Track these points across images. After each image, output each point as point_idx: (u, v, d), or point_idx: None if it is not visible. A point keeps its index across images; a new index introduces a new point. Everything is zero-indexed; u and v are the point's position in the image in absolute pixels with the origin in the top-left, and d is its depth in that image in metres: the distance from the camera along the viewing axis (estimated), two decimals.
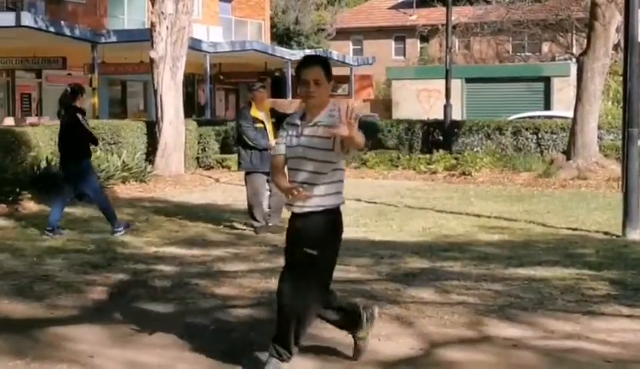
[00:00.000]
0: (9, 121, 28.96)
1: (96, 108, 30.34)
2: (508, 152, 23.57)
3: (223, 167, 23.82)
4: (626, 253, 10.85)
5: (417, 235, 12.41)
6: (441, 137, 25.06)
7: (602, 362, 6.19)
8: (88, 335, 6.83)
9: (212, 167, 24.19)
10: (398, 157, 23.88)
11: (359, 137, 5.37)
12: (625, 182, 12.35)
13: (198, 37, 33.28)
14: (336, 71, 37.62)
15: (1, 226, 13.04)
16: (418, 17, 54.62)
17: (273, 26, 51.98)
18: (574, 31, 41.53)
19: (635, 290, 8.49)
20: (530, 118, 27.51)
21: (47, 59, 31.98)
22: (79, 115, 12.03)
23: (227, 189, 19.27)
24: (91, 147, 12.40)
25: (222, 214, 14.60)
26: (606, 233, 12.60)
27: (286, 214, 5.84)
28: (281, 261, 6.17)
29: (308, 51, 44.43)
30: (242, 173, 12.48)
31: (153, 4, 21.84)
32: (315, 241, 5.62)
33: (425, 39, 55.11)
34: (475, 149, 23.91)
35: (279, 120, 11.32)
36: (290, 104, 30.69)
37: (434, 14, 50.38)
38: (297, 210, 5.70)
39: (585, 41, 23.24)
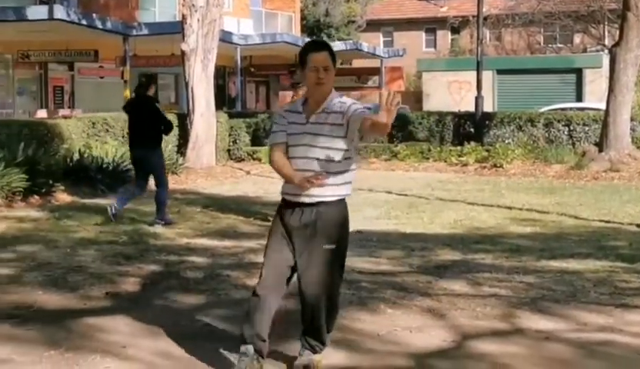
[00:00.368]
0: (42, 114, 29.14)
1: None
2: (539, 144, 23.43)
3: (254, 159, 23.87)
4: None
5: (448, 227, 12.38)
6: (472, 129, 24.94)
7: (636, 355, 6.15)
8: (121, 326, 6.87)
9: (243, 160, 24.25)
10: (429, 150, 23.82)
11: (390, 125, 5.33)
12: None
13: (228, 29, 33.32)
14: (366, 63, 37.75)
15: (34, 217, 13.15)
16: (449, 8, 54.40)
17: (303, 18, 51.95)
18: (606, 22, 41.20)
19: None
20: (562, 109, 27.34)
21: (79, 52, 32.14)
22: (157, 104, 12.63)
23: (258, 181, 19.31)
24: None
25: (253, 205, 14.65)
26: (639, 225, 12.51)
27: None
28: None
29: (338, 44, 44.39)
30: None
31: None
32: (333, 234, 5.52)
33: (455, 31, 54.90)
34: (507, 141, 23.79)
35: None
36: None
37: (465, 6, 50.18)
38: (306, 199, 5.47)
39: (618, 32, 23.06)
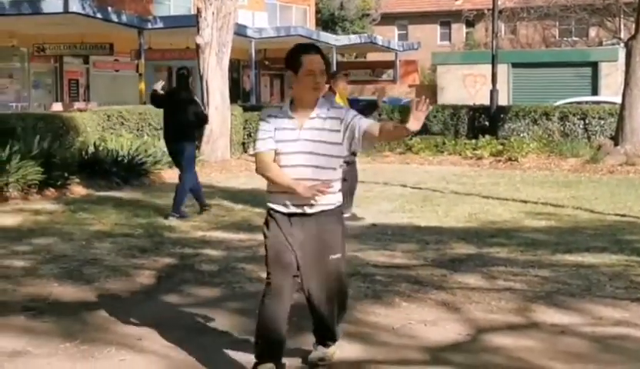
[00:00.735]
0: (57, 107, 29.27)
1: (143, 94, 30.55)
2: (555, 138, 23.35)
3: None
4: None
5: (463, 221, 12.36)
6: (487, 123, 24.86)
7: None
8: (136, 318, 6.89)
9: None
10: (444, 143, 23.76)
11: None
12: None
13: (243, 23, 33.37)
14: (381, 56, 37.69)
15: (50, 210, 13.20)
16: (464, 1, 54.32)
17: (318, 11, 51.96)
18: (622, 15, 41.04)
19: None
20: (577, 103, 27.21)
21: (94, 45, 32.26)
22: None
23: None
24: None
25: None
26: None
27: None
28: None
29: (352, 37, 44.36)
30: None
31: None
32: (338, 244, 5.37)
33: (470, 24, 54.82)
34: (522, 135, 23.71)
35: None
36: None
37: None
38: (308, 210, 5.24)
39: (634, 25, 22.94)
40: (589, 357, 5.97)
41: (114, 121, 20.98)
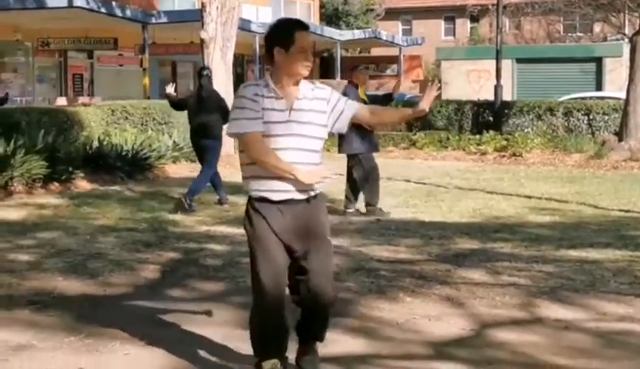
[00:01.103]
0: (62, 101, 29.26)
1: (147, 89, 30.56)
2: (559, 133, 23.37)
3: None
4: None
5: (467, 216, 12.36)
6: (491, 118, 24.89)
7: None
8: (141, 312, 6.91)
9: None
10: (448, 138, 23.78)
11: None
12: None
13: (247, 17, 33.33)
14: (385, 51, 37.66)
15: (54, 204, 13.22)
16: None
17: (322, 6, 51.86)
18: (626, 11, 40.82)
19: None
20: (581, 98, 27.20)
21: (98, 40, 32.25)
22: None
23: None
24: None
25: None
26: None
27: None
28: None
29: (356, 32, 44.31)
30: None
31: None
32: (326, 227, 5.08)
33: (474, 19, 54.67)
34: (526, 130, 23.73)
35: None
36: (338, 85, 30.66)
37: None
38: (301, 196, 4.90)
39: (638, 20, 22.92)
40: (593, 353, 5.97)
41: (118, 115, 20.98)
